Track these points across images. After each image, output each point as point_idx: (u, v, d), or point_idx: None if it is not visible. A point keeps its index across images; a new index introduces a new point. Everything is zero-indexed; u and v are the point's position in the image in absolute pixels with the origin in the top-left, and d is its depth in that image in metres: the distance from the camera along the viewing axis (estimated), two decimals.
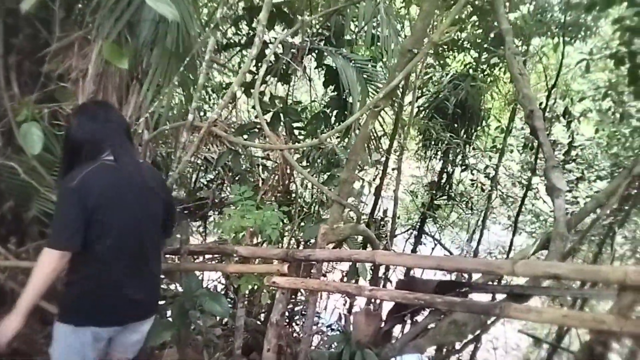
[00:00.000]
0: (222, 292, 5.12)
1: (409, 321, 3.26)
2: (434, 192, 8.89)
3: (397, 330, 3.56)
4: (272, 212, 2.74)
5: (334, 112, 5.88)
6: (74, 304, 2.02)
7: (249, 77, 5.58)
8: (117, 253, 1.98)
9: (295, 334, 5.63)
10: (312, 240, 4.38)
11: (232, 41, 5.94)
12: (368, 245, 5.19)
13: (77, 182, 1.85)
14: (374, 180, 7.17)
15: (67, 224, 1.86)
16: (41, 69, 5.28)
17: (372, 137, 5.52)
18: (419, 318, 3.22)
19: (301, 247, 4.61)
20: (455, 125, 8.88)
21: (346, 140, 5.65)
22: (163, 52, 3.10)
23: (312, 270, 2.73)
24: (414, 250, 8.81)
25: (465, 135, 9.07)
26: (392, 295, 2.50)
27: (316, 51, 5.61)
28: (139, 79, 3.19)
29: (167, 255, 3.04)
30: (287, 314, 5.25)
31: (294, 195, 5.62)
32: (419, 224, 8.99)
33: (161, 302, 2.72)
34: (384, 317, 3.17)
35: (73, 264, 1.97)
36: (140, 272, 2.07)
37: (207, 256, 3.97)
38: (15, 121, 5.02)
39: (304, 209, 5.37)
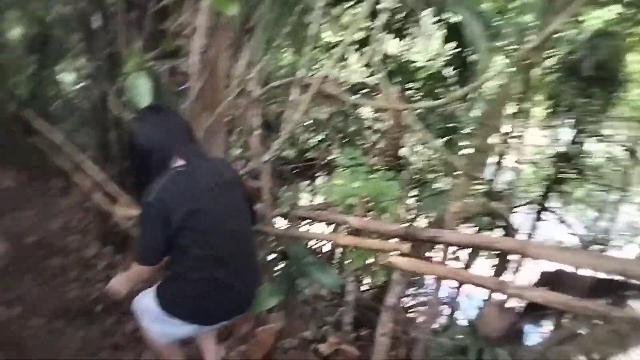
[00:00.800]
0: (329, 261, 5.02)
1: (547, 320, 2.83)
2: (561, 164, 7.92)
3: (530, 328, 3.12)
4: (391, 182, 2.43)
5: (453, 72, 5.34)
6: (177, 303, 1.99)
7: (360, 34, 5.21)
8: (214, 255, 1.91)
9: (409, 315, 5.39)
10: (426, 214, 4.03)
11: None
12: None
13: (155, 198, 1.79)
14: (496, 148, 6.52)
15: (149, 243, 1.85)
16: (159, 26, 5.43)
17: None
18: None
19: (414, 220, 4.27)
20: (590, 90, 7.79)
21: (468, 103, 5.10)
22: (274, 2, 2.86)
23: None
24: (533, 228, 8.02)
25: (602, 102, 7.94)
26: (548, 299, 1.97)
27: (435, 4, 5.06)
28: (250, 33, 3.01)
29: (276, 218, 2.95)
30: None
31: (403, 161, 5.25)
32: (541, 198, 8.12)
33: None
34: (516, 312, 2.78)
35: (174, 265, 1.96)
36: (240, 268, 2.01)
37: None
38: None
39: (416, 177, 5.00)
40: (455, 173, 3.34)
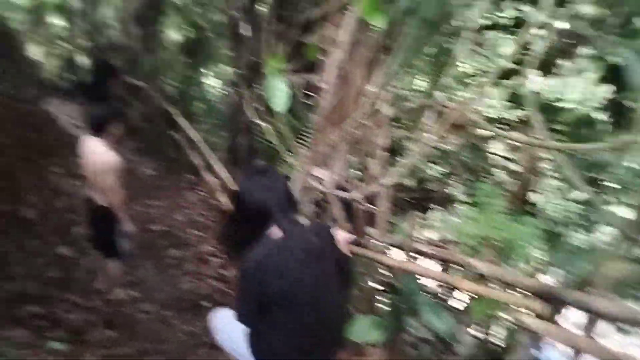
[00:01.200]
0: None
1: None
2: None
3: None
4: (532, 229, 2.13)
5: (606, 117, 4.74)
6: (259, 351, 2.03)
7: (504, 64, 4.84)
8: (298, 327, 1.93)
9: None
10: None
11: (495, 22, 5.26)
12: None
13: (254, 268, 1.87)
14: None
15: (244, 307, 1.95)
16: (302, 39, 5.62)
17: None
18: None
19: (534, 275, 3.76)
20: None
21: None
22: (420, 22, 2.73)
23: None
24: None
25: None
26: None
27: (592, 40, 4.54)
28: (388, 51, 2.91)
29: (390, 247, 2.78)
30: None
31: (532, 207, 4.75)
32: None
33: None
34: None
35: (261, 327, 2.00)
36: (322, 341, 2.02)
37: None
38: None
39: (547, 227, 4.48)
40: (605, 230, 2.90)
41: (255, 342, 2.01)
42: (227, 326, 2.18)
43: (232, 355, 2.25)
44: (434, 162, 6.17)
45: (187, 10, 7.36)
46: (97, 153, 3.34)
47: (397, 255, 2.80)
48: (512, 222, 2.22)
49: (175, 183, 7.17)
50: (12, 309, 3.33)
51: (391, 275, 2.36)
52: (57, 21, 9.73)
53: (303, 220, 2.15)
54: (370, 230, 2.55)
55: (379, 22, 1.91)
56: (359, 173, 3.38)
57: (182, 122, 6.43)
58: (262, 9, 6.11)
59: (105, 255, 3.71)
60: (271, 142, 5.02)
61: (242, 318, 1.96)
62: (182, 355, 3.41)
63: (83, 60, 9.52)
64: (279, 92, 1.86)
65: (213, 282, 4.56)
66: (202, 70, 9.84)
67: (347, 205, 3.37)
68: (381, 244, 2.37)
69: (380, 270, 2.71)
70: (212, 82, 10.37)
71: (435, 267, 3.39)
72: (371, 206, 3.09)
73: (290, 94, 1.93)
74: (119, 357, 3.18)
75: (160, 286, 4.24)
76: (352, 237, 2.35)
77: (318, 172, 3.53)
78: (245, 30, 5.81)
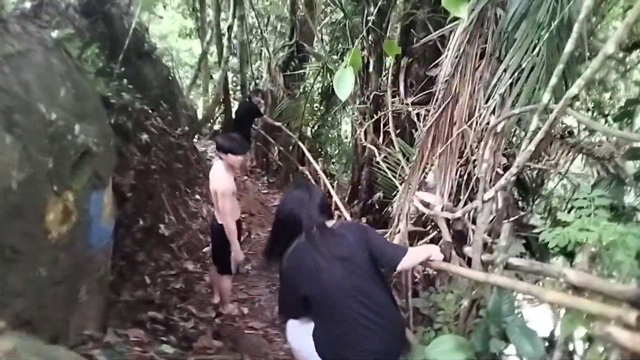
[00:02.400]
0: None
1: None
2: None
3: None
4: (635, 232, 1.66)
5: None
6: (319, 353, 2.20)
7: None
8: (335, 318, 2.12)
9: None
10: None
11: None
12: None
13: (285, 266, 2.20)
14: None
15: (286, 301, 2.29)
16: (426, 72, 5.54)
17: None
18: None
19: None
20: None
21: None
22: (532, 26, 2.47)
23: None
24: None
25: None
26: None
27: None
28: (498, 58, 2.67)
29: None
30: None
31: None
32: None
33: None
34: None
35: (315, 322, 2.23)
36: (365, 326, 2.11)
37: None
38: (392, 116, 5.44)
39: None
40: None
41: (316, 336, 2.19)
42: (296, 332, 2.34)
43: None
44: None
45: (325, 58, 7.82)
46: (215, 176, 3.63)
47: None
48: (612, 225, 1.78)
49: None
50: (136, 312, 3.66)
51: (480, 291, 2.06)
52: (214, 74, 11.09)
53: (332, 223, 2.32)
54: (466, 248, 2.28)
55: (460, 13, 1.76)
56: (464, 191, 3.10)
57: (311, 159, 6.70)
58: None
59: (219, 270, 3.93)
60: (388, 173, 4.96)
61: (283, 313, 2.29)
62: None
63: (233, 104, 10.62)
64: (346, 82, 1.83)
65: None
66: (337, 114, 10.29)
67: (458, 231, 3.11)
68: (476, 259, 2.09)
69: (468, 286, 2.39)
70: (347, 126, 10.75)
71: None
72: (472, 224, 2.80)
73: (353, 81, 1.87)
74: None
75: (270, 305, 4.33)
76: (441, 256, 2.29)
77: (424, 195, 3.34)
78: (372, 67, 5.94)
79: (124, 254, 4.01)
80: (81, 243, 2.48)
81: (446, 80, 2.81)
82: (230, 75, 13.19)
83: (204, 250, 5.04)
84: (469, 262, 2.35)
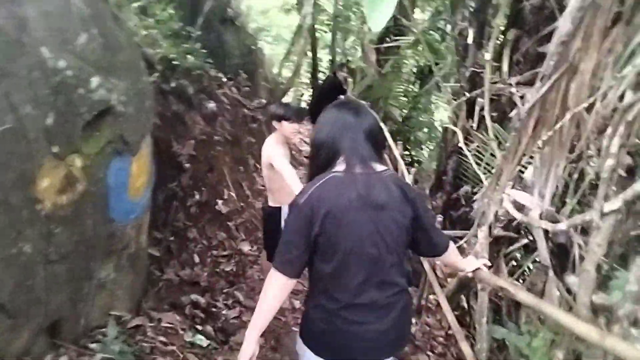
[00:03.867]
0: None
1: None
2: None
3: None
4: None
5: None
6: (309, 330, 1.76)
7: None
8: (343, 281, 1.64)
9: None
10: None
11: None
12: None
13: (304, 201, 1.61)
14: None
15: (288, 249, 1.64)
16: (537, 48, 4.61)
17: None
18: None
19: None
20: None
21: None
22: None
23: None
24: None
25: None
26: None
27: None
28: (629, 19, 1.87)
29: None
30: None
31: None
32: None
33: None
34: None
35: (310, 285, 1.77)
36: (374, 303, 1.67)
37: None
38: (490, 98, 4.62)
39: None
40: None
41: (303, 315, 1.79)
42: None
43: None
44: None
45: (422, 33, 7.06)
46: (265, 149, 3.20)
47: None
48: None
49: None
50: (178, 294, 3.37)
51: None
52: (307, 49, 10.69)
53: (382, 168, 1.73)
54: (571, 279, 1.59)
55: None
56: (576, 197, 2.35)
57: (391, 142, 6.06)
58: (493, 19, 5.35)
59: (269, 257, 3.51)
60: (475, 164, 4.20)
61: (280, 262, 1.64)
62: None
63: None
64: (382, 4, 1.18)
65: None
66: (431, 98, 9.44)
67: (559, 245, 2.38)
68: (587, 303, 1.40)
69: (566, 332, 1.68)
70: (442, 112, 9.87)
71: None
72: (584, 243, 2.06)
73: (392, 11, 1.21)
74: None
75: None
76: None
77: (518, 194, 2.62)
78: (471, 41, 5.10)
79: (174, 229, 3.75)
80: (93, 216, 2.16)
81: (562, 42, 2.06)
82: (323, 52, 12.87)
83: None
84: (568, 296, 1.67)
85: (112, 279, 2.64)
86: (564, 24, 2.06)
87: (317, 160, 1.76)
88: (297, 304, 3.79)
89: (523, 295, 1.51)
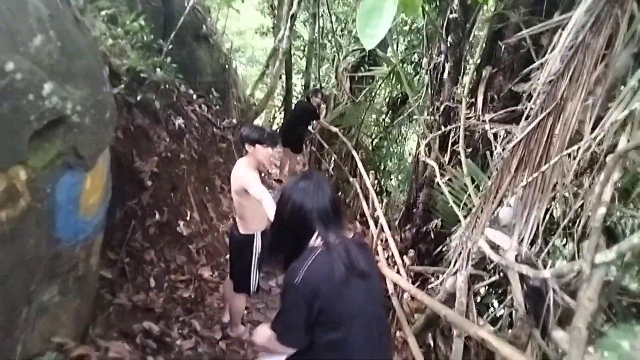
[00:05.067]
0: None
1: None
2: None
3: None
4: None
5: None
6: None
7: None
8: (348, 341, 1.73)
9: None
10: None
11: None
12: None
13: (300, 282, 1.69)
14: None
15: (293, 324, 1.75)
16: (511, 86, 4.66)
17: None
18: None
19: None
20: None
21: None
22: None
23: None
24: None
25: None
26: None
27: None
28: (637, 55, 1.84)
29: None
30: None
31: None
32: None
33: None
34: None
35: (306, 350, 1.80)
36: (373, 352, 1.79)
37: None
38: (464, 134, 4.61)
39: None
40: None
41: None
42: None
43: None
44: None
45: (396, 63, 7.10)
46: (236, 174, 3.04)
47: None
48: None
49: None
50: (130, 320, 3.11)
51: None
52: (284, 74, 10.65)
53: (349, 234, 1.88)
54: (558, 334, 1.49)
55: None
56: (558, 243, 2.28)
57: (363, 171, 5.98)
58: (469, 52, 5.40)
59: (235, 287, 3.31)
60: (450, 200, 4.14)
61: (284, 337, 1.78)
62: None
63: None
64: (379, 16, 1.04)
65: None
66: (402, 130, 9.49)
67: (534, 289, 2.29)
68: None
69: None
70: (411, 143, 9.93)
71: None
72: (569, 298, 1.97)
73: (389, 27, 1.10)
74: None
75: None
76: None
77: (495, 235, 2.53)
78: (448, 73, 5.12)
79: (131, 250, 3.49)
80: (36, 236, 1.93)
81: (550, 81, 2.01)
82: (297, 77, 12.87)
83: (227, 257, 4.47)
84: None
85: (55, 302, 2.38)
86: (552, 63, 2.02)
87: (286, 239, 1.87)
88: None
89: (508, 351, 1.39)
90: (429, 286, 4.45)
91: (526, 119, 2.11)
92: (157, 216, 3.80)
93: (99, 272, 2.97)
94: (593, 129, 1.97)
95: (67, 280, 2.42)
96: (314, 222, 1.78)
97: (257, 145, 2.98)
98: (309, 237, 1.79)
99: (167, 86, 4.18)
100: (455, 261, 3.08)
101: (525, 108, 2.47)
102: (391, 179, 9.41)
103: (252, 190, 2.85)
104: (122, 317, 3.13)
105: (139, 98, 3.61)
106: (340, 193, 8.31)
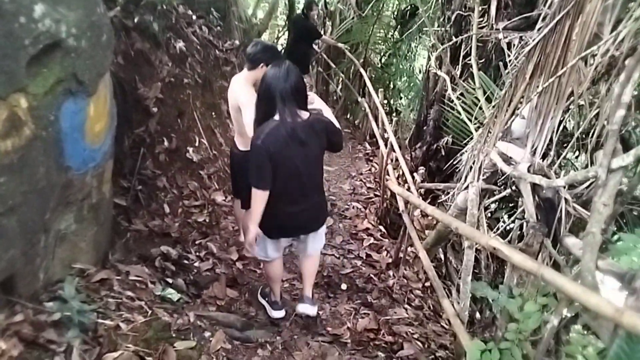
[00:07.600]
0: None
1: None
2: None
3: None
4: None
5: None
6: (265, 224, 2.57)
7: None
8: (286, 190, 2.52)
9: None
10: None
11: None
12: None
13: (262, 141, 2.36)
14: None
15: (262, 172, 2.41)
16: None
17: None
18: None
19: None
20: None
21: None
22: None
23: None
24: None
25: None
26: None
27: None
28: None
29: None
30: None
31: None
32: None
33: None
34: None
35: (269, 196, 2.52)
36: (303, 201, 2.62)
37: None
38: (476, 44, 4.41)
39: None
40: None
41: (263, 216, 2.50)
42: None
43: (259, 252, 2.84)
44: None
45: None
46: (233, 89, 2.96)
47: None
48: None
49: (353, 151, 6.74)
50: (148, 245, 3.20)
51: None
52: None
53: (305, 114, 2.46)
54: (570, 240, 1.49)
55: None
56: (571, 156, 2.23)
57: (372, 90, 5.84)
58: None
59: (242, 204, 3.34)
60: (462, 114, 4.05)
61: (260, 183, 2.42)
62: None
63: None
64: None
65: (357, 262, 3.90)
66: (412, 44, 9.11)
67: (546, 200, 2.28)
68: (592, 268, 1.30)
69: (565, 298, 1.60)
70: (421, 59, 9.58)
71: None
72: (581, 209, 1.96)
73: None
74: (224, 324, 2.75)
75: None
76: None
77: (507, 148, 2.49)
78: None
79: (142, 177, 3.52)
80: (46, 164, 1.93)
81: None
82: None
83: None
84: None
85: (73, 230, 2.43)
86: None
87: (260, 111, 2.45)
88: None
89: (519, 259, 1.40)
90: (439, 201, 4.48)
91: (542, 20, 1.98)
92: (166, 143, 3.78)
93: (113, 200, 3.01)
94: (612, 31, 1.85)
95: (82, 208, 2.46)
96: (277, 100, 2.33)
97: (264, 66, 2.88)
98: (275, 111, 2.36)
99: (164, 7, 3.99)
100: (467, 176, 3.06)
101: (542, 13, 2.33)
102: (401, 98, 9.21)
103: (241, 100, 2.88)
104: (140, 242, 3.22)
105: (136, 20, 3.46)
106: (348, 114, 8.18)
